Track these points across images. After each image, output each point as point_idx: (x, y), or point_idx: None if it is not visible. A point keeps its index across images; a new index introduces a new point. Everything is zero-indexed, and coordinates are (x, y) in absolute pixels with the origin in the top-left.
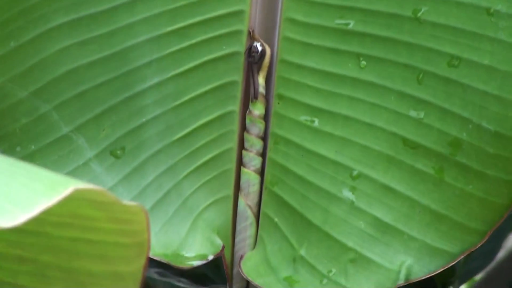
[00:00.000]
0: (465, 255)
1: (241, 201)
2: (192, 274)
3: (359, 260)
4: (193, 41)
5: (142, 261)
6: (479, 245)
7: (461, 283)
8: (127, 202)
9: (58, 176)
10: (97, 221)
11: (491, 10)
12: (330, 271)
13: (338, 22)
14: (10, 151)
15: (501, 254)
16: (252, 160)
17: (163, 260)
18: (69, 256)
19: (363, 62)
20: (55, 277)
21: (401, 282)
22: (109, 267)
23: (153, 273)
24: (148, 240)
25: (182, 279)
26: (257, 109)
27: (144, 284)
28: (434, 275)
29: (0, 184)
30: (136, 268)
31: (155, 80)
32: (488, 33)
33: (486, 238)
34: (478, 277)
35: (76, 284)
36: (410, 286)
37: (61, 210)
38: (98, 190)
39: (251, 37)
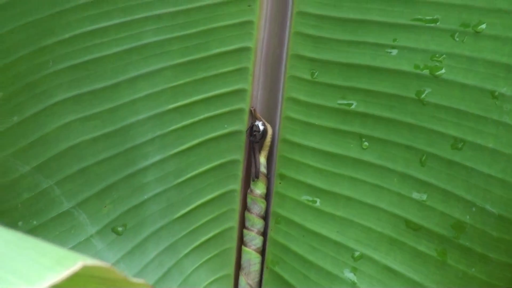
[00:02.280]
0: None
1: (242, 280)
2: None
3: None
4: (196, 118)
5: None
6: None
7: None
8: (134, 279)
9: (65, 251)
10: None
11: (496, 93)
12: None
13: (341, 102)
14: (11, 226)
15: None
16: (253, 239)
17: None
18: None
19: (366, 143)
20: None
21: None
22: None
23: None
24: None
25: None
26: (258, 188)
27: None
28: None
29: (8, 258)
30: None
31: (157, 157)
32: (492, 116)
33: None
34: None
35: None
36: None
37: (68, 286)
38: (106, 267)
39: (253, 116)
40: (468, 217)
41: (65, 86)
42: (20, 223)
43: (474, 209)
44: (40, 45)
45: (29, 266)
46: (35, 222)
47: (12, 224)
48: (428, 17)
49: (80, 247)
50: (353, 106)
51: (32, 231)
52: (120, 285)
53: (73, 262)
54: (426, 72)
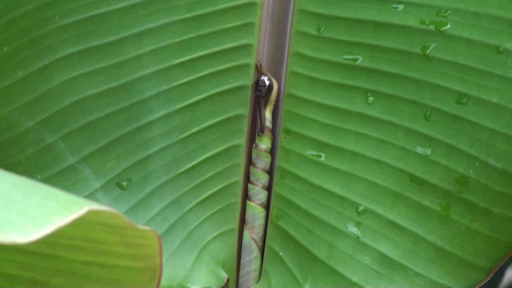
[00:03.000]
0: None
1: (246, 235)
2: None
3: None
4: (201, 74)
5: (154, 286)
6: (484, 282)
7: None
8: (140, 226)
9: (72, 196)
10: (109, 245)
11: (501, 48)
12: None
13: (346, 57)
14: None
15: None
16: (258, 193)
17: None
18: (81, 279)
19: (371, 98)
20: None
21: None
22: None
23: None
24: (160, 265)
25: None
26: (264, 143)
27: None
28: None
29: (15, 200)
30: None
31: (162, 112)
32: (497, 71)
33: (492, 275)
34: None
35: None
36: None
37: (74, 233)
38: (112, 212)
39: (259, 71)
40: (471, 171)
41: (71, 41)
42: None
43: (477, 163)
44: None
45: (35, 209)
46: (39, 177)
47: None
48: None
49: None
50: (358, 61)
51: None
52: (127, 232)
53: (80, 207)
54: (431, 27)
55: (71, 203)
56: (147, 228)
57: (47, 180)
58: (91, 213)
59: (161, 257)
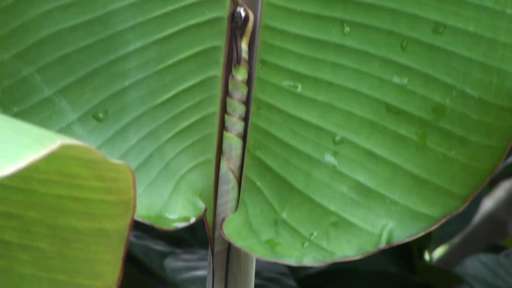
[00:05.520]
0: (447, 219)
1: (223, 165)
2: (168, 237)
3: (341, 224)
4: (177, 5)
5: (128, 219)
6: (460, 209)
7: (436, 246)
8: (113, 160)
9: (44, 131)
10: (83, 179)
11: None
12: (312, 234)
13: None
14: None
15: (476, 218)
16: (235, 124)
17: (146, 222)
18: (55, 213)
19: (347, 28)
20: (41, 233)
21: (383, 245)
22: (95, 224)
23: (131, 236)
24: (134, 199)
25: (159, 242)
26: (240, 74)
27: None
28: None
29: None
30: (121, 225)
31: (138, 44)
32: (473, 0)
33: (468, 202)
34: (454, 241)
35: (61, 240)
36: (387, 250)
37: (48, 168)
38: (85, 147)
39: (235, 2)
40: (448, 100)
41: None
42: (0, 110)
43: (454, 92)
44: None
45: (7, 144)
46: (16, 109)
47: None
48: None
49: (61, 133)
50: None
51: (13, 118)
52: (100, 166)
53: (52, 142)
54: None
55: (43, 138)
56: (119, 162)
57: (24, 112)
58: (64, 147)
59: (134, 191)
